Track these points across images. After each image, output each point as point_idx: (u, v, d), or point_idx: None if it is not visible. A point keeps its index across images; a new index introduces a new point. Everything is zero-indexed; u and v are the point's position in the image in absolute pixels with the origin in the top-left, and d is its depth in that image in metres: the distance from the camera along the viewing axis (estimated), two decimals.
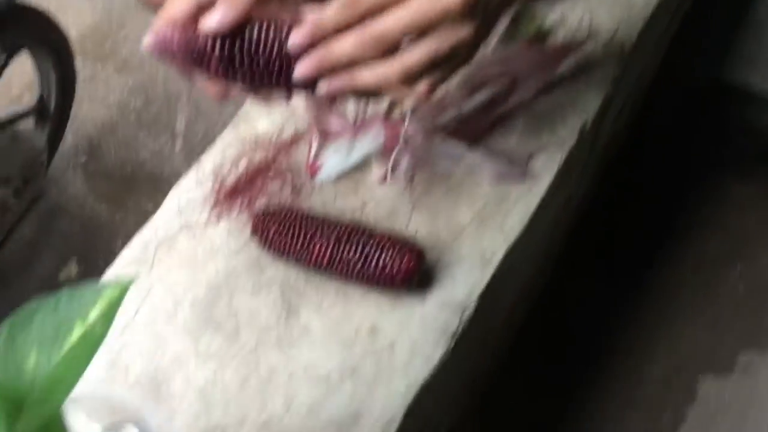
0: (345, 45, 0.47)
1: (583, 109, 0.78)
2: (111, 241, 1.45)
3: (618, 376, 1.20)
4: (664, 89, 1.28)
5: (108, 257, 1.50)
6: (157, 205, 1.41)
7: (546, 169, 0.74)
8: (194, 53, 0.47)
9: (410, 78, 0.48)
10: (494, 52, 0.76)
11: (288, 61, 0.48)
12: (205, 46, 0.47)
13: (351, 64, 0.47)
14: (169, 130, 1.60)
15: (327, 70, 0.48)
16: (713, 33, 1.32)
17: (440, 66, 0.49)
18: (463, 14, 0.47)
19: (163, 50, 0.46)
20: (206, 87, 0.50)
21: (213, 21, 0.46)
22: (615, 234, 1.34)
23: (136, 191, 1.52)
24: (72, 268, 1.41)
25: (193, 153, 1.61)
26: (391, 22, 0.46)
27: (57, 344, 0.37)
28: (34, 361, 0.36)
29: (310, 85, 0.49)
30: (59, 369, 0.36)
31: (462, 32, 0.47)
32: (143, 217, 1.56)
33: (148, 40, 0.46)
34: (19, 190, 1.24)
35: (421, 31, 0.47)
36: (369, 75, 0.48)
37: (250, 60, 0.48)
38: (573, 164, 0.79)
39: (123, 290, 0.38)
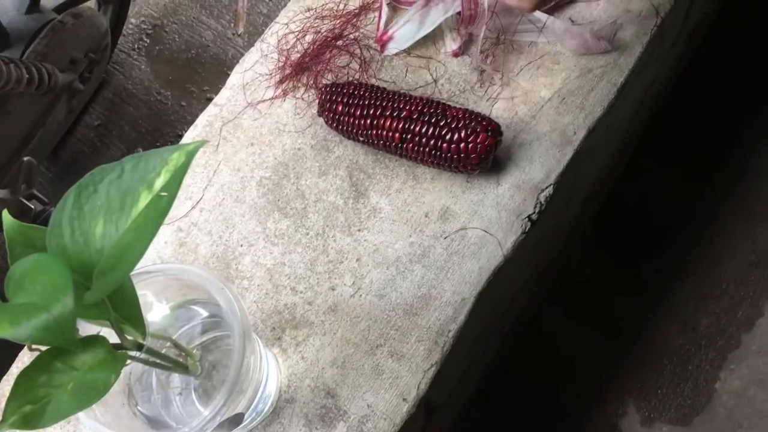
0: None
1: None
2: (177, 127, 1.45)
3: (695, 269, 1.15)
4: None
5: (175, 143, 1.51)
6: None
7: (635, 39, 0.67)
8: None
9: None
10: None
11: None
12: None
13: None
14: (232, 11, 1.56)
15: None
16: None
17: None
18: None
19: None
20: None
21: None
22: (691, 128, 1.25)
23: (199, 75, 1.50)
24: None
25: (256, 34, 1.58)
26: None
27: (124, 212, 0.35)
28: (102, 229, 0.35)
29: None
30: (127, 237, 0.35)
31: None
32: (207, 103, 1.55)
33: None
34: (85, 73, 1.23)
35: None
36: None
37: None
38: (665, 35, 0.72)
39: (189, 156, 0.36)
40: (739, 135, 1.24)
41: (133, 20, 1.53)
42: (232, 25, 1.55)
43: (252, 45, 1.51)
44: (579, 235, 1.08)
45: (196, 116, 1.55)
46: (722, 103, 1.25)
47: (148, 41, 1.53)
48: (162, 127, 1.46)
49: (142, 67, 1.51)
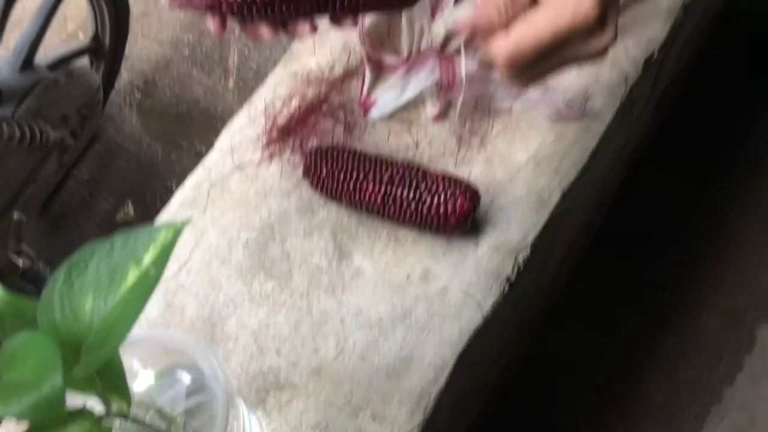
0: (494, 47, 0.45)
1: (649, 40, 0.73)
2: (167, 180, 1.47)
3: (676, 321, 1.17)
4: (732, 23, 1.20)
5: (164, 196, 1.53)
6: (210, 145, 1.42)
7: (606, 106, 0.71)
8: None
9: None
10: None
11: None
12: None
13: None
14: (222, 66, 1.60)
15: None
16: None
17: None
18: (597, 26, 0.43)
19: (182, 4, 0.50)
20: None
21: None
22: (671, 181, 1.28)
23: (190, 129, 1.53)
24: (129, 209, 1.44)
25: (246, 89, 1.61)
26: (525, 42, 0.44)
27: (113, 288, 0.37)
28: (91, 304, 0.37)
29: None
30: (115, 312, 0.36)
31: (599, 43, 0.44)
32: (197, 156, 1.57)
33: None
34: (76, 129, 1.25)
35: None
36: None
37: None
38: (635, 102, 0.75)
39: (176, 233, 0.38)
40: (711, 200, 1.28)
41: (125, 75, 1.57)
42: (223, 80, 1.58)
43: (242, 100, 1.54)
44: (560, 290, 1.10)
45: (186, 169, 1.57)
46: (696, 161, 1.29)
47: (139, 96, 1.56)
48: (151, 180, 1.48)
49: (133, 121, 1.54)
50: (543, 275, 0.85)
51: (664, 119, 1.19)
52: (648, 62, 0.72)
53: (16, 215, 1.06)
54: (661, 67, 0.79)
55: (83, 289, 0.37)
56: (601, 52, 0.45)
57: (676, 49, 0.83)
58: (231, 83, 1.58)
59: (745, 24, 1.29)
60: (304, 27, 0.53)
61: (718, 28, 1.21)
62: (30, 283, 1.12)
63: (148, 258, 0.37)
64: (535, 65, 0.45)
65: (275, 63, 1.73)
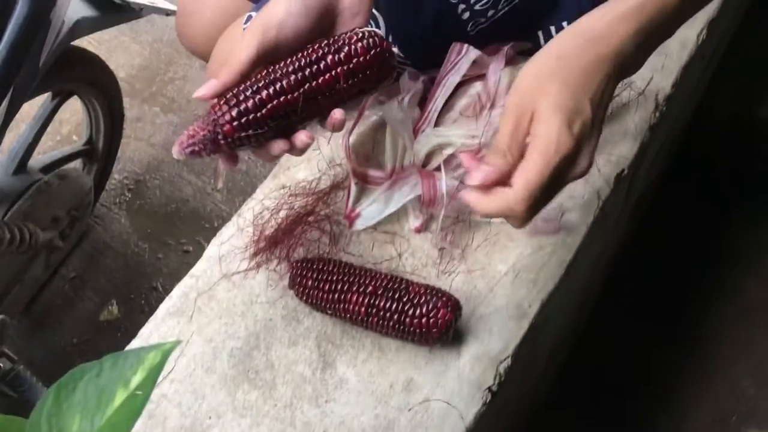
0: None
1: (619, 158, 0.77)
2: (153, 279, 1.48)
3: (659, 428, 1.17)
4: (700, 130, 1.27)
5: (149, 295, 1.53)
6: (197, 245, 1.44)
7: (581, 220, 0.74)
8: (212, 144, 0.54)
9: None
10: None
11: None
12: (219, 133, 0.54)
13: None
14: (212, 168, 1.64)
15: None
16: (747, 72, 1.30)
17: None
18: (576, 153, 0.51)
19: (191, 156, 0.55)
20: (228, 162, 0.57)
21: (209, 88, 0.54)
22: (651, 278, 1.31)
23: (178, 229, 1.55)
24: (113, 308, 1.44)
25: (235, 189, 1.65)
26: (535, 187, 0.51)
27: (100, 410, 0.38)
28: (77, 426, 0.37)
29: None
30: None
31: (578, 169, 0.53)
32: (185, 255, 1.58)
33: (176, 151, 0.55)
34: (65, 230, 1.27)
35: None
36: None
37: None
38: (608, 215, 0.78)
39: (165, 355, 0.39)
40: (697, 290, 1.31)
41: (116, 176, 1.60)
42: (212, 180, 1.62)
43: (231, 200, 1.57)
44: (544, 395, 1.10)
45: (172, 268, 1.58)
46: (674, 265, 1.32)
47: (129, 195, 1.59)
48: (138, 278, 1.49)
49: (122, 220, 1.56)
50: (526, 382, 0.86)
51: (639, 226, 1.23)
52: (619, 178, 0.76)
53: (0, 317, 1.06)
54: (632, 181, 0.83)
55: (71, 409, 0.38)
56: (582, 175, 0.53)
57: (646, 164, 0.88)
58: (220, 184, 1.62)
59: (712, 129, 1.36)
60: (301, 137, 0.57)
61: (686, 138, 1.27)
62: (9, 387, 1.10)
63: (135, 380, 0.38)
64: (544, 202, 0.52)
65: (264, 165, 1.77)
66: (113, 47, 1.79)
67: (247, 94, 0.54)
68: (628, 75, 0.55)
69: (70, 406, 0.38)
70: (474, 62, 0.76)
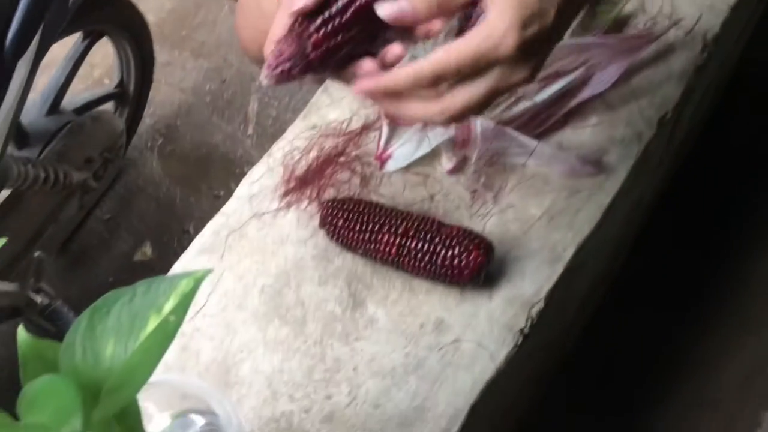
0: (399, 76, 0.47)
1: (663, 100, 0.75)
2: (184, 222, 1.49)
3: (693, 377, 1.16)
4: (745, 81, 1.22)
5: (181, 238, 1.55)
6: (228, 190, 1.45)
7: (620, 164, 0.72)
8: (301, 59, 0.49)
9: (454, 118, 0.48)
10: (570, 41, 0.73)
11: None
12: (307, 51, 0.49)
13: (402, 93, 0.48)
14: (242, 114, 1.63)
15: (379, 94, 0.49)
16: None
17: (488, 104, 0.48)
18: (518, 59, 0.45)
19: (280, 79, 0.49)
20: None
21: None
22: (688, 231, 1.29)
23: (209, 174, 1.55)
24: (146, 250, 1.46)
25: (264, 135, 1.65)
26: (463, 97, 0.46)
27: (133, 335, 0.38)
28: (111, 350, 0.38)
29: None
30: (135, 359, 0.37)
31: (516, 76, 0.47)
32: (215, 199, 1.60)
33: (264, 76, 0.49)
34: (99, 172, 1.28)
35: (475, 73, 0.46)
36: (414, 109, 0.48)
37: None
38: (649, 159, 0.76)
39: (197, 283, 0.39)
40: (731, 243, 1.28)
41: (147, 120, 1.60)
42: (242, 126, 1.62)
43: (260, 147, 1.57)
44: (574, 340, 1.10)
45: (204, 212, 1.59)
46: (713, 212, 1.29)
47: (161, 140, 1.60)
48: (170, 222, 1.50)
49: (154, 164, 1.57)
50: (558, 326, 0.85)
51: (678, 174, 1.20)
52: (662, 121, 0.74)
53: (37, 255, 1.08)
54: (676, 125, 0.80)
55: (105, 334, 0.38)
56: (517, 86, 0.48)
57: (690, 107, 0.85)
58: (250, 130, 1.62)
59: (757, 80, 1.31)
60: (393, 50, 0.51)
61: (732, 82, 1.22)
62: (48, 321, 1.13)
63: (168, 306, 0.38)
64: (454, 85, 0.46)
65: (294, 111, 1.77)
66: None
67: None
68: None
69: (104, 330, 0.38)
70: None
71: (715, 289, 1.24)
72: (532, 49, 0.46)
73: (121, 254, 1.46)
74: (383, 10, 0.47)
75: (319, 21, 0.49)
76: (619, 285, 1.16)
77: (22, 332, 0.42)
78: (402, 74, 0.47)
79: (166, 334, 0.37)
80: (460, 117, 0.48)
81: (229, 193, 0.75)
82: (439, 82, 0.46)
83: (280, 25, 0.49)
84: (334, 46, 0.50)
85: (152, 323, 0.38)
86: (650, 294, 1.22)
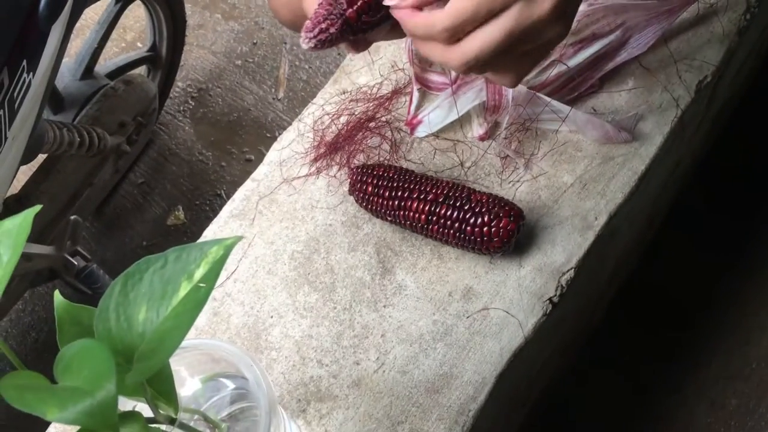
0: (417, 24, 0.46)
1: (703, 64, 0.72)
2: (216, 186, 1.51)
3: (723, 347, 1.14)
4: None
5: (213, 202, 1.56)
6: (259, 154, 1.45)
7: (656, 130, 0.70)
8: (339, 18, 0.48)
9: (473, 65, 0.46)
10: (607, 1, 0.71)
11: None
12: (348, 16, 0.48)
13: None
14: (273, 77, 1.63)
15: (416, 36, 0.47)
16: None
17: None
18: (552, 20, 0.44)
19: (321, 41, 0.47)
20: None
21: None
22: (721, 199, 1.26)
23: (240, 137, 1.56)
24: (179, 213, 1.48)
25: (295, 99, 1.64)
26: (479, 40, 0.44)
27: (165, 300, 0.38)
28: (144, 315, 0.38)
29: None
30: (166, 324, 0.38)
31: (551, 35, 0.45)
32: (246, 163, 1.60)
33: (304, 39, 0.47)
34: (132, 136, 1.30)
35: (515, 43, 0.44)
36: (434, 51, 0.47)
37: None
38: (686, 125, 0.74)
39: (227, 249, 0.39)
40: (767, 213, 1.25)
41: (180, 84, 1.61)
42: (273, 90, 1.62)
43: (291, 111, 1.56)
44: (604, 311, 1.09)
45: (235, 176, 1.60)
46: (751, 182, 1.26)
47: (193, 104, 1.61)
48: (202, 186, 1.52)
49: (186, 128, 1.58)
50: (588, 295, 0.85)
51: (717, 140, 1.17)
52: (701, 85, 0.71)
53: (73, 218, 1.10)
54: (715, 90, 0.78)
55: (137, 299, 0.38)
56: (551, 46, 0.46)
57: (731, 71, 0.82)
58: (281, 93, 1.62)
59: None
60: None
61: None
62: (83, 283, 1.16)
63: (199, 273, 0.38)
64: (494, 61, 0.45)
65: (324, 74, 1.75)
66: None
67: None
68: None
69: (137, 296, 0.38)
70: None
71: (750, 258, 1.21)
72: (566, 7, 0.44)
73: (155, 218, 1.48)
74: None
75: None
76: (653, 252, 1.15)
77: (58, 296, 0.43)
78: (420, 22, 0.45)
79: (197, 300, 0.38)
80: (480, 64, 0.46)
81: (259, 157, 0.75)
82: (457, 31, 0.44)
83: None
84: (369, 2, 0.48)
85: (183, 289, 0.38)
86: (683, 262, 1.21)
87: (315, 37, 0.47)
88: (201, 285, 0.38)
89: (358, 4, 0.48)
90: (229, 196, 0.73)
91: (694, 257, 1.22)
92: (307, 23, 0.48)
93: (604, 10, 0.68)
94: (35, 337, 1.37)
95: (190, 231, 1.46)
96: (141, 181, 1.52)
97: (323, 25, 0.47)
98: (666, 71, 0.72)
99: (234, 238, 0.39)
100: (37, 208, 0.39)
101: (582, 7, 0.68)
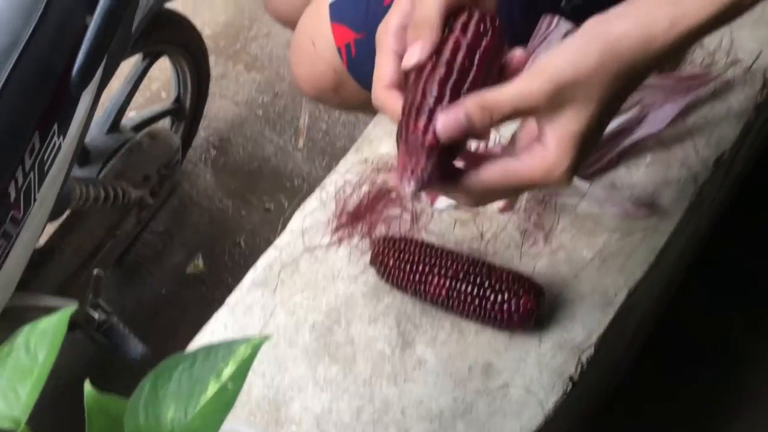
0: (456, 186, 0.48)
1: (720, 140, 0.73)
2: (236, 235, 1.52)
3: (743, 416, 1.13)
4: None
5: (233, 251, 1.57)
6: (279, 203, 1.46)
7: (675, 205, 0.71)
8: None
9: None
10: None
11: None
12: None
13: None
14: (294, 127, 1.65)
15: None
16: None
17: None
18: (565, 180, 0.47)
19: (421, 185, 0.46)
20: None
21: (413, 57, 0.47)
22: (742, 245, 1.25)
23: (260, 187, 1.58)
24: (198, 262, 1.49)
25: (315, 149, 1.66)
26: (495, 181, 0.47)
27: (193, 399, 0.39)
28: (172, 414, 0.39)
29: None
30: (194, 423, 0.39)
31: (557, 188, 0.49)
32: (266, 212, 1.62)
33: (406, 188, 0.47)
34: (155, 188, 1.32)
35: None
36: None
37: None
38: (704, 198, 0.75)
39: (254, 349, 0.40)
40: None
41: (202, 133, 1.64)
42: (293, 139, 1.64)
43: (311, 159, 1.57)
44: (619, 379, 1.08)
45: (255, 225, 1.61)
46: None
47: (214, 153, 1.63)
48: (222, 235, 1.53)
49: (207, 177, 1.60)
50: (606, 368, 0.84)
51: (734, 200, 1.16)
52: (719, 161, 0.72)
53: (95, 271, 1.12)
54: (732, 163, 0.79)
55: (166, 398, 0.39)
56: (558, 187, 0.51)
57: (748, 144, 0.83)
58: (301, 143, 1.64)
59: None
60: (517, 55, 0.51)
61: None
62: (103, 336, 1.17)
63: (227, 372, 0.39)
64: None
65: (344, 124, 1.78)
66: (199, 4, 1.81)
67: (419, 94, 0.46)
68: None
69: (166, 395, 0.39)
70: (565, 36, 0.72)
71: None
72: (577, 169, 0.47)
73: (174, 266, 1.50)
74: (441, 125, 0.45)
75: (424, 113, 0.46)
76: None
77: (88, 386, 0.44)
78: (460, 186, 0.48)
79: (225, 401, 0.38)
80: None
81: (279, 207, 0.77)
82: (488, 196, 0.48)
83: (385, 70, 0.49)
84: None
85: (212, 389, 0.39)
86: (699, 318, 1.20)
87: (416, 183, 0.46)
88: (229, 385, 0.39)
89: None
90: (248, 245, 0.74)
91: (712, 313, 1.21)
92: (398, 177, 0.47)
93: None
94: (53, 384, 1.38)
95: (209, 280, 1.48)
96: (161, 230, 1.54)
97: (417, 170, 0.46)
98: (683, 146, 0.73)
99: (262, 338, 0.40)
100: (73, 308, 0.40)
101: None
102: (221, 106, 1.68)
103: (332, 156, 1.62)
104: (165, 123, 1.46)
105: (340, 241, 0.74)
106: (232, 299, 0.73)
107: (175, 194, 1.56)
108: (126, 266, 1.50)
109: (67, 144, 0.90)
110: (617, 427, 1.12)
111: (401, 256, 0.67)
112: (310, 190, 0.78)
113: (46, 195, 0.90)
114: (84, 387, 0.44)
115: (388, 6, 0.52)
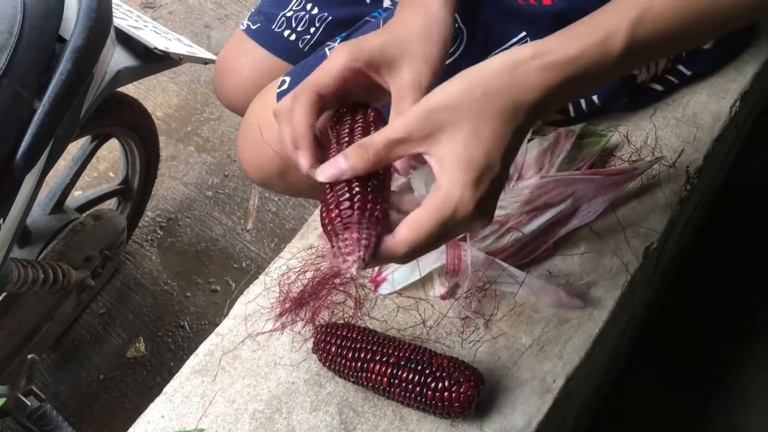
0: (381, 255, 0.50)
1: (648, 232, 0.77)
2: (180, 317, 1.49)
3: None
4: (732, 194, 1.25)
5: (176, 333, 1.54)
6: (225, 285, 1.44)
7: (608, 294, 0.73)
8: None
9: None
10: (558, 175, 0.76)
11: None
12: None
13: None
14: (243, 208, 1.66)
15: None
16: None
17: None
18: (476, 215, 0.48)
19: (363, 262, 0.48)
20: None
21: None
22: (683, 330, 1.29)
23: (207, 268, 1.57)
24: (140, 345, 1.45)
25: (264, 231, 1.67)
26: (414, 241, 0.48)
27: None
28: None
29: None
30: None
31: (475, 228, 0.50)
32: (212, 294, 1.59)
33: (348, 267, 0.48)
34: (98, 270, 1.30)
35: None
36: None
37: None
38: (636, 286, 0.78)
39: None
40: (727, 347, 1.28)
41: (149, 213, 1.63)
42: (242, 221, 1.64)
43: (259, 240, 1.58)
44: None
45: (200, 307, 1.59)
46: (710, 321, 1.29)
47: (161, 234, 1.62)
48: (165, 316, 1.50)
49: (153, 257, 1.58)
50: None
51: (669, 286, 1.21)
52: (647, 251, 0.76)
53: (30, 357, 1.08)
54: (662, 252, 0.82)
55: None
56: (481, 228, 0.51)
57: (675, 234, 0.87)
58: (250, 224, 1.64)
59: (744, 195, 1.34)
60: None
61: (717, 200, 1.25)
62: (35, 424, 1.11)
63: None
64: (426, 251, 0.50)
65: (293, 206, 1.79)
66: (152, 87, 1.84)
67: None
68: (539, 120, 0.53)
69: None
70: None
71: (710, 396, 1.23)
72: (488, 203, 0.49)
73: (114, 350, 1.45)
74: (323, 174, 0.50)
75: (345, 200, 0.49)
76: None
77: None
78: (381, 254, 0.49)
79: None
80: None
81: (225, 288, 0.76)
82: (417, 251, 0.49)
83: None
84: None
85: None
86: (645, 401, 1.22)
87: (358, 262, 0.48)
88: None
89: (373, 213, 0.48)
90: (192, 328, 0.73)
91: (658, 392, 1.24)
92: (340, 254, 0.48)
93: (555, 182, 0.73)
94: None
95: (150, 363, 1.43)
96: (102, 312, 1.50)
97: (356, 248, 0.48)
98: (615, 237, 0.76)
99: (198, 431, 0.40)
100: (3, 396, 0.39)
101: (535, 180, 0.72)
102: (170, 186, 1.68)
103: (281, 238, 1.63)
104: (112, 203, 1.45)
105: (283, 327, 0.74)
106: (170, 387, 0.71)
107: (118, 275, 1.54)
108: (63, 349, 1.45)
109: (7, 226, 0.88)
110: None
111: (343, 343, 0.68)
112: (258, 272, 0.78)
113: None
114: None
115: None
